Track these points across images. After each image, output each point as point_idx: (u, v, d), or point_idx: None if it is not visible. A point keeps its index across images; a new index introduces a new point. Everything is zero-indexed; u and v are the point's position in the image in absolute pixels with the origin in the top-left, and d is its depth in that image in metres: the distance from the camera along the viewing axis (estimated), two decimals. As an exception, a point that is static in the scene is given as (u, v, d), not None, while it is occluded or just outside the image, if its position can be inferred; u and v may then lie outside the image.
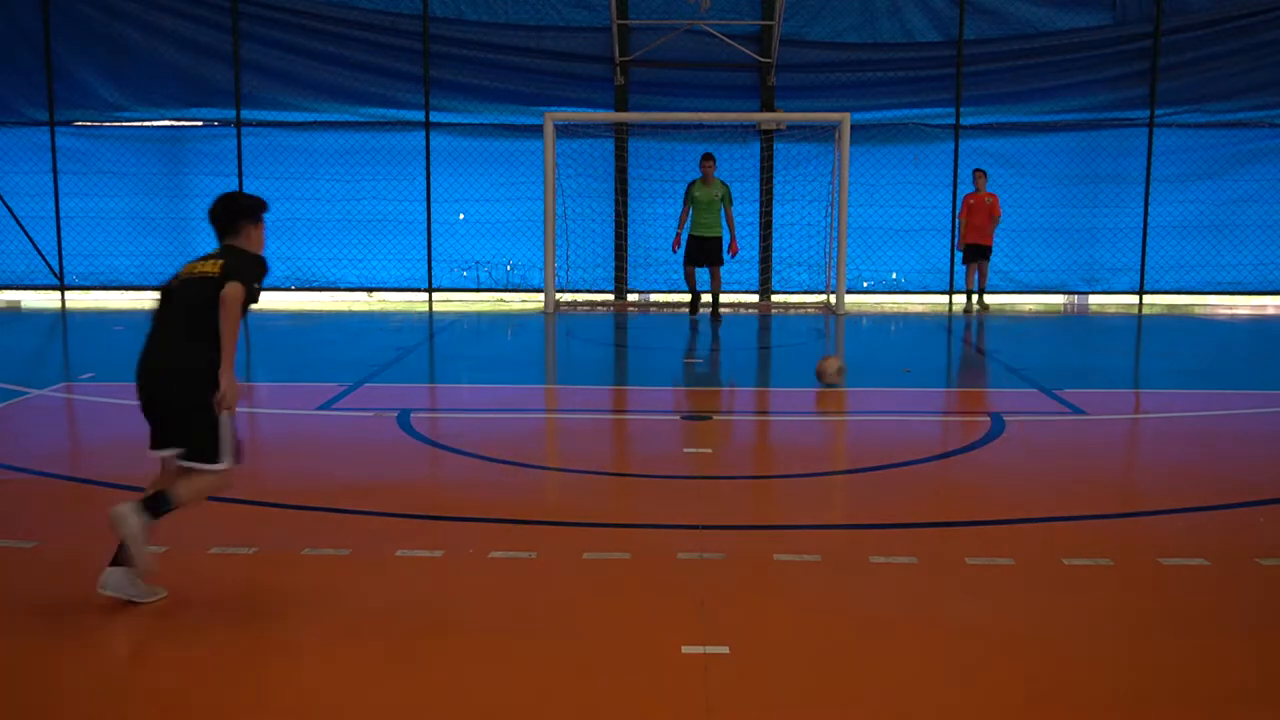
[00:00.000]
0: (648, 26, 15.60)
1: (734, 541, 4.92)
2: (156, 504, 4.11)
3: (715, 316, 13.50)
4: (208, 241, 4.42)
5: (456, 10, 15.87)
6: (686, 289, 13.86)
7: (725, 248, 13.31)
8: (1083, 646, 3.78)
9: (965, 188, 15.77)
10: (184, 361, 4.18)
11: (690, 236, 13.29)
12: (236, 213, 4.41)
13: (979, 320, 14.29)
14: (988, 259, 14.96)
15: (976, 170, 14.97)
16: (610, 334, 12.67)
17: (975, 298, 15.09)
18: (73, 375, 9.55)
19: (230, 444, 4.25)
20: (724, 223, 13.24)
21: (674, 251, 13.73)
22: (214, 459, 4.20)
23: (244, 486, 5.96)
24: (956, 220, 15.25)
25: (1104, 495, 5.81)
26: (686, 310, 13.97)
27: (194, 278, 4.27)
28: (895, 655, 3.72)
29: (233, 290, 4.14)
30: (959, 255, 15.28)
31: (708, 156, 13.30)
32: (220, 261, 4.27)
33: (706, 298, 13.62)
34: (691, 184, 13.34)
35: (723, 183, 13.31)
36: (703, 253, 13.26)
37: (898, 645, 3.80)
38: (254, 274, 4.29)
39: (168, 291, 4.31)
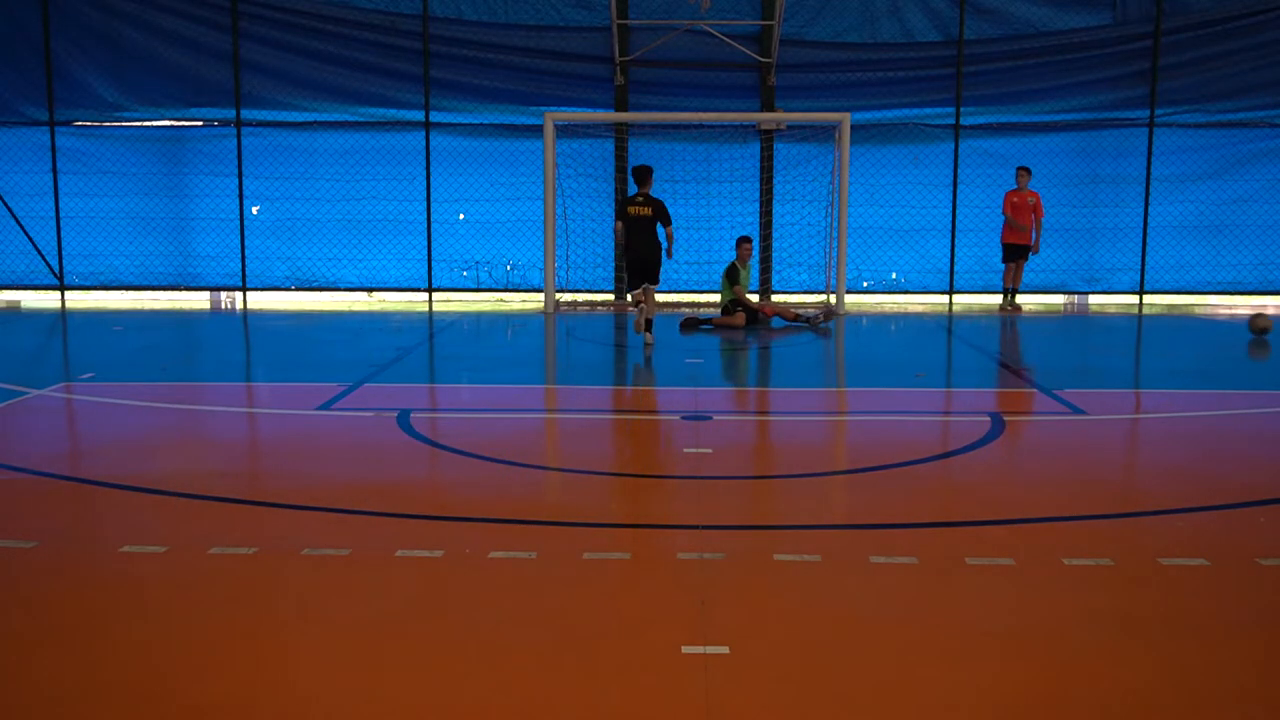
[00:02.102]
0: (648, 26, 15.62)
1: (734, 541, 4.92)
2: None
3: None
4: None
5: (456, 10, 15.89)
6: (686, 290, 13.83)
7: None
8: (1083, 646, 3.78)
9: (965, 188, 15.79)
10: (654, 251, 11.12)
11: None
12: (649, 172, 11.19)
13: (1009, 320, 14.28)
14: (1025, 258, 14.93)
15: (1021, 168, 14.86)
16: (610, 334, 12.66)
17: (1009, 296, 15.07)
18: (73, 375, 9.55)
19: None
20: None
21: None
22: (658, 282, 11.20)
23: (244, 486, 5.98)
24: (1001, 216, 15.07)
25: (1104, 495, 5.81)
26: (686, 312, 13.94)
27: (641, 217, 11.02)
28: (895, 655, 3.71)
29: (669, 229, 11.12)
30: (999, 253, 15.22)
31: (746, 239, 13.40)
32: (650, 208, 11.02)
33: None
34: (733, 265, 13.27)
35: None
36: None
37: (898, 645, 3.79)
38: (667, 213, 11.09)
39: (631, 219, 11.05)
